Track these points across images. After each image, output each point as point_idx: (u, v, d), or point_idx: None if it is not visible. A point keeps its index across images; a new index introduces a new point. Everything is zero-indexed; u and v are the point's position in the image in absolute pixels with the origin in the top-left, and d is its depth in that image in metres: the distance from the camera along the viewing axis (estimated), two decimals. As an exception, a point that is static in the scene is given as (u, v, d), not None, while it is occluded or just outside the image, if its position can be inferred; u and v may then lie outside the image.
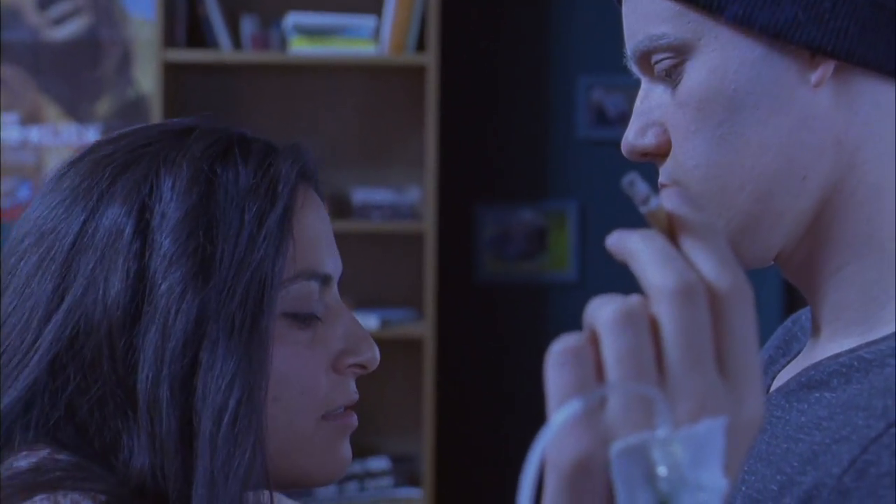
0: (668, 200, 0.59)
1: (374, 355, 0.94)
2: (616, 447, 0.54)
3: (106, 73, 3.47)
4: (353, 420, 0.95)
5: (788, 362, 0.92)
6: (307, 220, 0.93)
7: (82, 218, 0.89)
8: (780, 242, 0.83)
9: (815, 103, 0.80)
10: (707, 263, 0.57)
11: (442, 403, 3.40)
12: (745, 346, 0.56)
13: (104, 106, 3.46)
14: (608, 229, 0.62)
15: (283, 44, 3.39)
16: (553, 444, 0.54)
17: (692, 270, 0.56)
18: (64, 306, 0.87)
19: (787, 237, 0.83)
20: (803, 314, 0.96)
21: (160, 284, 0.86)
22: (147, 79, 3.45)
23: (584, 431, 0.54)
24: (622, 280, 0.57)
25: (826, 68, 0.79)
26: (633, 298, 0.56)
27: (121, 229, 0.88)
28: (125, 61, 3.47)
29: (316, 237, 0.93)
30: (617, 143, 0.93)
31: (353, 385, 0.94)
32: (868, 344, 0.80)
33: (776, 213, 0.82)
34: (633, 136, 0.85)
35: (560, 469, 0.54)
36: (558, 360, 0.55)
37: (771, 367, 0.94)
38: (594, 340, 0.56)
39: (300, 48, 3.31)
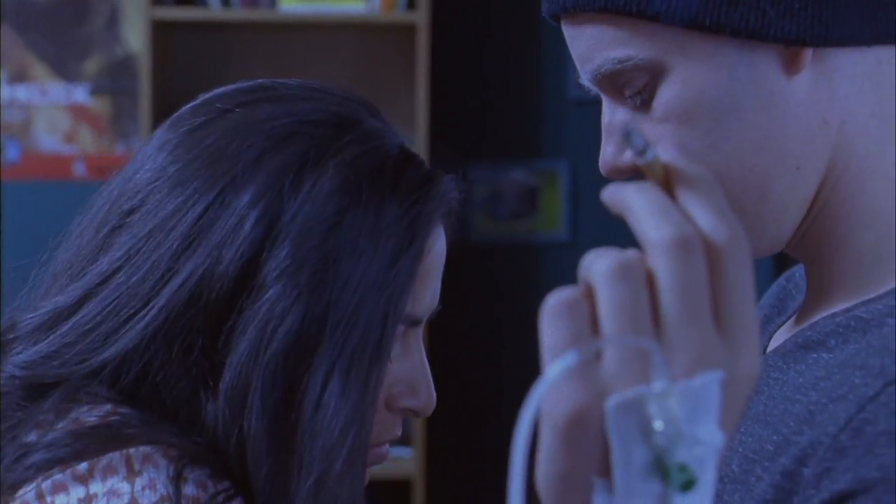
0: (665, 152, 0.58)
1: (429, 404, 0.92)
2: (612, 401, 0.53)
3: (93, 32, 3.44)
4: (386, 450, 0.92)
5: (784, 321, 0.92)
6: (430, 262, 0.88)
7: (215, 192, 0.84)
8: (787, 232, 0.83)
9: (795, 92, 0.79)
10: (704, 216, 0.56)
11: (434, 362, 3.40)
12: (741, 299, 0.56)
13: (92, 64, 3.43)
14: (600, 189, 0.61)
15: (272, 1, 3.36)
16: (548, 399, 0.54)
17: (689, 223, 0.56)
18: (183, 274, 0.83)
19: (792, 225, 0.83)
20: (797, 271, 0.96)
21: (268, 289, 0.82)
22: (135, 37, 3.42)
23: (580, 385, 0.53)
24: (614, 240, 0.57)
25: (804, 58, 0.78)
26: (630, 252, 0.56)
27: (244, 217, 0.83)
28: (113, 19, 3.44)
29: (429, 281, 0.89)
30: None
31: (400, 423, 0.92)
32: (865, 303, 0.80)
33: (778, 207, 0.81)
34: (612, 155, 0.84)
35: (555, 423, 0.54)
36: (553, 312, 0.54)
37: (767, 326, 0.94)
38: (589, 294, 0.55)
39: (290, 6, 3.28)
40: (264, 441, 0.82)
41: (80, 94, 3.43)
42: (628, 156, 0.83)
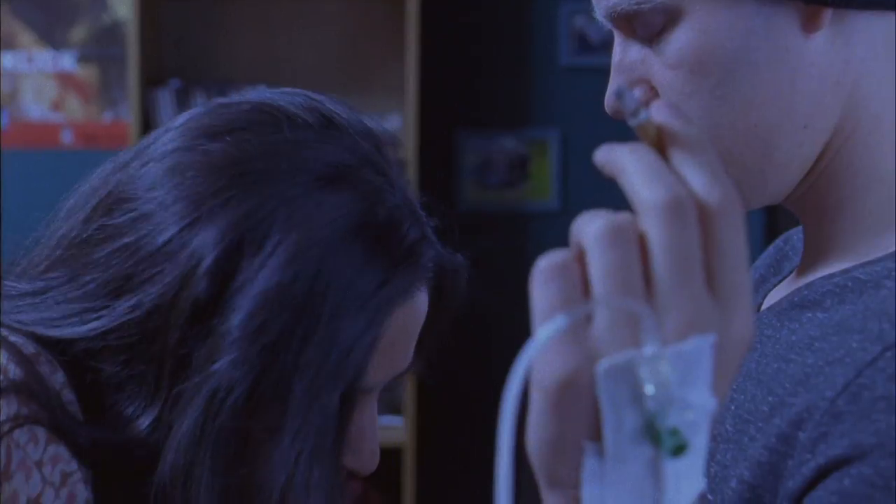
0: (657, 113, 0.57)
1: (368, 467, 0.90)
2: (602, 365, 0.52)
3: (81, -1, 3.41)
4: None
5: (780, 281, 0.92)
6: (396, 334, 0.85)
7: (183, 224, 0.81)
8: (787, 188, 0.83)
9: (810, 51, 0.78)
10: (697, 178, 0.55)
11: (424, 331, 3.40)
12: (734, 262, 0.55)
13: (79, 32, 3.41)
14: (590, 157, 0.60)
15: (261, -32, 3.33)
16: (538, 363, 0.53)
17: (682, 184, 0.55)
18: (134, 300, 0.82)
19: (793, 182, 0.83)
20: (794, 234, 0.96)
21: (220, 355, 0.79)
22: (123, 4, 3.39)
23: (570, 349, 0.53)
24: (604, 208, 0.56)
25: (824, 17, 0.78)
26: (622, 214, 0.55)
27: (201, 259, 0.80)
28: (100, -14, 3.41)
29: (389, 351, 0.86)
30: (599, 70, 0.91)
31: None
32: (863, 264, 0.79)
33: (781, 164, 0.81)
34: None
35: (545, 387, 0.53)
36: (544, 276, 0.54)
37: (762, 286, 0.94)
38: (581, 257, 0.55)
39: (278, -27, 3.26)
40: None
41: (67, 62, 3.40)
42: (637, 96, 0.82)
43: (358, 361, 0.82)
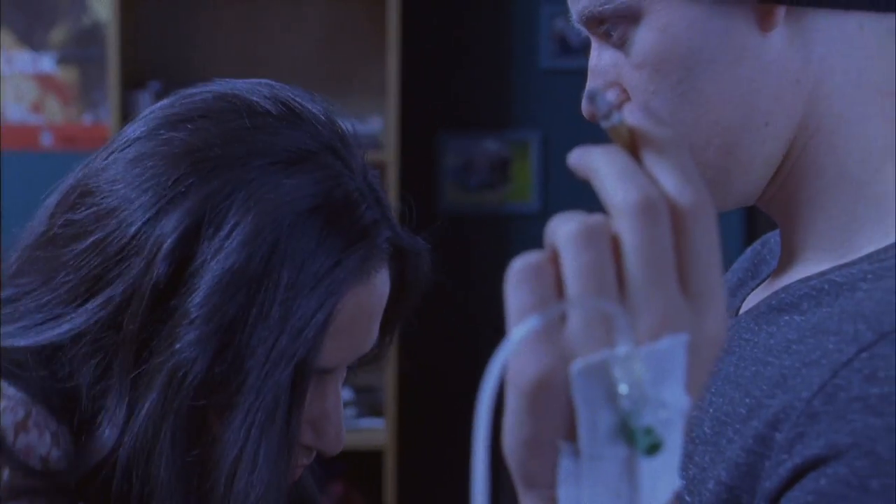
0: (630, 115, 0.57)
1: (334, 448, 0.91)
2: (576, 365, 0.53)
3: (60, 0, 3.40)
4: (296, 474, 0.92)
5: (758, 285, 0.92)
6: (350, 314, 0.86)
7: (147, 216, 0.83)
8: (755, 188, 0.84)
9: (769, 49, 0.79)
10: (669, 179, 0.56)
11: (403, 333, 3.40)
12: (707, 262, 0.55)
13: (59, 33, 3.40)
14: (571, 160, 0.61)
15: (241, -30, 3.33)
16: (513, 364, 0.53)
17: (654, 186, 0.55)
18: (104, 297, 0.83)
19: (759, 181, 0.83)
20: (772, 237, 0.96)
21: (180, 336, 0.82)
22: (103, 5, 3.38)
23: (545, 349, 0.53)
24: (586, 210, 0.57)
25: (777, 14, 0.79)
26: (595, 216, 0.55)
27: (160, 247, 0.82)
28: (80, -13, 3.40)
29: (347, 331, 0.87)
30: (580, 73, 0.92)
31: (310, 453, 0.92)
32: (839, 267, 0.80)
33: (745, 162, 0.82)
34: None
35: (521, 388, 0.53)
36: (518, 277, 0.54)
37: (740, 290, 0.94)
38: (555, 258, 0.55)
39: (259, -26, 3.25)
40: (173, 489, 0.83)
41: (47, 64, 3.39)
42: (610, 99, 0.83)
43: (310, 340, 0.83)
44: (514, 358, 0.53)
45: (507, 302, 0.54)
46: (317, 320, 0.83)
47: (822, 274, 0.80)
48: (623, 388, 0.52)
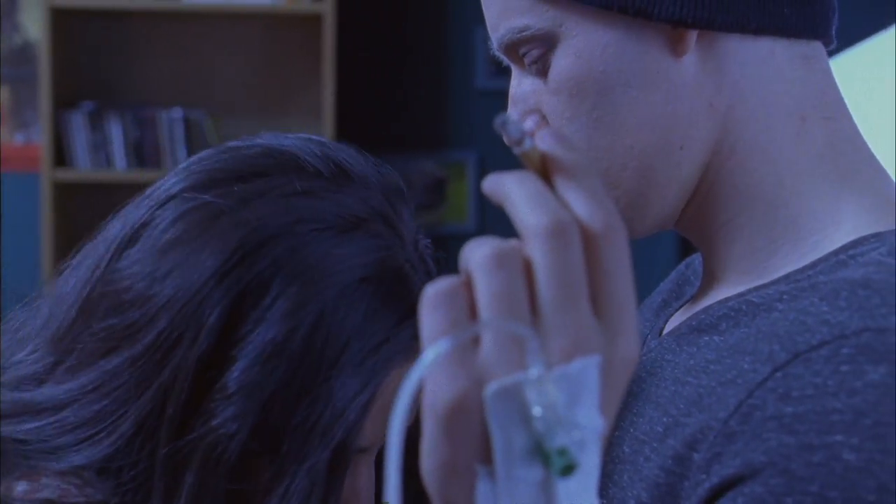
0: (541, 141, 0.58)
1: None
2: (490, 388, 0.53)
3: (-9, 20, 3.36)
4: None
5: (681, 306, 0.93)
6: (393, 395, 0.80)
7: (196, 299, 0.78)
8: (672, 210, 0.84)
9: (682, 73, 0.80)
10: (580, 203, 0.56)
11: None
12: (618, 284, 0.56)
13: (-10, 53, 3.36)
14: (508, 180, 0.61)
15: (175, -10, 3.32)
16: (428, 388, 0.53)
17: (565, 210, 0.56)
18: (152, 390, 0.78)
19: (676, 203, 0.84)
20: (696, 258, 0.97)
21: (216, 413, 0.77)
22: (34, 24, 3.35)
23: (459, 373, 0.53)
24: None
25: (689, 39, 0.80)
26: (508, 241, 0.56)
27: (206, 318, 0.77)
28: (11, 6, 3.37)
29: (387, 408, 0.81)
30: None
31: None
32: (757, 288, 0.81)
33: (661, 185, 0.82)
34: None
35: (436, 412, 0.53)
36: (431, 302, 0.54)
37: (664, 311, 0.95)
38: (469, 283, 0.55)
39: (193, -5, 3.24)
40: None
41: (-22, 83, 3.35)
42: (529, 126, 0.83)
43: (350, 423, 0.79)
44: (429, 382, 0.53)
45: (421, 326, 0.54)
46: (359, 401, 0.78)
47: (741, 295, 0.81)
48: (537, 411, 0.52)
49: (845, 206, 0.81)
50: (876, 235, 0.80)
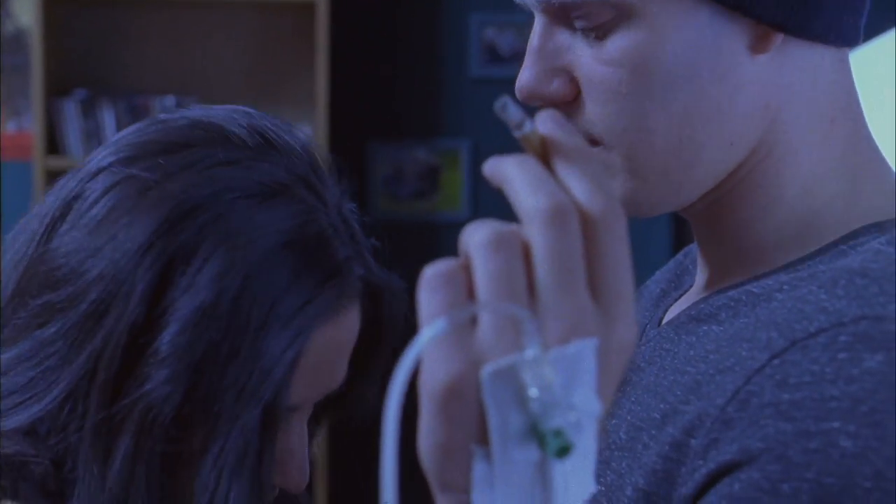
0: (542, 124, 0.58)
1: (296, 486, 0.89)
2: (487, 369, 0.53)
3: (-17, 7, 3.35)
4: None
5: (680, 295, 0.93)
6: (318, 352, 0.84)
7: (126, 268, 0.81)
8: (694, 199, 0.82)
9: (751, 71, 0.78)
10: (580, 187, 0.56)
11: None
12: (616, 269, 0.56)
13: (-19, 40, 3.35)
14: (501, 168, 0.61)
15: (168, -23, 3.31)
16: (425, 369, 0.54)
17: (564, 193, 0.56)
18: (84, 355, 0.81)
19: (702, 194, 0.82)
20: (695, 247, 0.97)
21: (150, 377, 0.80)
22: (26, 12, 3.34)
23: (456, 355, 0.53)
24: (515, 218, 0.56)
25: (774, 40, 0.78)
26: (507, 224, 0.56)
27: (136, 286, 0.80)
28: (3, -6, 3.36)
29: (315, 369, 0.85)
30: (510, 82, 0.88)
31: (273, 492, 0.90)
32: (756, 277, 0.81)
33: (700, 176, 0.81)
34: (536, 82, 0.80)
35: (432, 393, 0.54)
36: (430, 284, 0.54)
37: (663, 300, 0.95)
38: (468, 266, 0.55)
39: (186, -18, 3.23)
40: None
41: (-31, 71, 3.34)
42: (556, 88, 0.80)
43: (278, 380, 0.81)
44: (426, 363, 0.54)
45: (420, 307, 0.54)
46: (285, 359, 0.81)
47: (740, 284, 0.81)
48: (532, 392, 0.52)
49: (856, 205, 0.81)
50: (876, 225, 0.80)
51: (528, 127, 0.57)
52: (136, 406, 0.80)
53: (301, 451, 0.89)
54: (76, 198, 0.86)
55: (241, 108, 0.89)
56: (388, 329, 0.93)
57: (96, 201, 0.84)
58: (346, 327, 0.87)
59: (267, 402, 0.81)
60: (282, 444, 0.87)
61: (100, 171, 0.85)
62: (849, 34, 0.81)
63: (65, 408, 0.82)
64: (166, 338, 0.79)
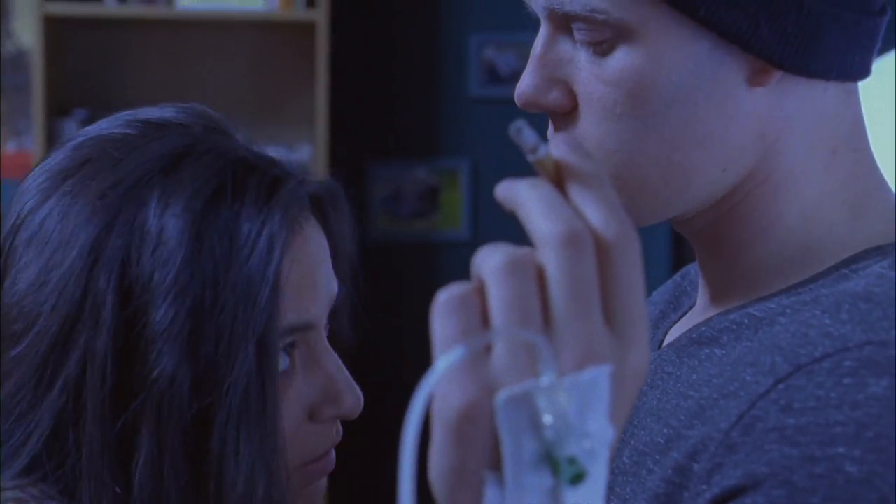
0: (556, 148, 0.58)
1: (354, 405, 0.90)
2: (501, 396, 0.53)
3: (-16, 27, 3.36)
4: (330, 462, 0.91)
5: (680, 317, 0.93)
6: (301, 265, 0.86)
7: (81, 288, 0.82)
8: (683, 212, 0.83)
9: (748, 102, 0.79)
10: (594, 212, 0.56)
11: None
12: (631, 295, 0.56)
13: (-17, 60, 3.35)
14: (500, 188, 0.61)
15: (169, -2, 3.32)
16: (439, 394, 0.54)
17: (579, 218, 0.56)
18: (59, 383, 0.82)
19: (691, 213, 0.83)
20: (692, 268, 0.96)
21: (152, 367, 0.81)
22: (27, 32, 3.35)
23: (470, 381, 0.53)
24: (515, 239, 0.56)
25: (773, 77, 0.78)
26: (521, 248, 0.56)
27: (103, 300, 0.82)
28: (3, 13, 3.36)
29: (304, 283, 0.87)
30: (510, 102, 0.89)
31: (336, 428, 0.91)
32: (758, 300, 0.80)
33: (690, 199, 0.81)
34: (535, 90, 0.80)
35: (446, 418, 0.54)
36: (444, 308, 0.54)
37: (662, 322, 0.95)
38: (481, 290, 0.55)
39: (187, 3, 3.24)
40: None
41: (-29, 91, 3.34)
42: (554, 98, 0.80)
43: (265, 309, 0.83)
44: (439, 388, 0.54)
45: (433, 332, 0.54)
46: (266, 282, 0.83)
47: (742, 307, 0.81)
48: (547, 419, 0.52)
49: (858, 231, 0.81)
50: (878, 249, 0.80)
51: (542, 151, 0.57)
52: (147, 402, 0.81)
53: (340, 373, 0.90)
54: (15, 230, 0.88)
55: (123, 112, 0.92)
56: (344, 236, 0.95)
57: (33, 236, 0.87)
58: (312, 237, 0.89)
59: (259, 337, 0.82)
60: (319, 374, 0.88)
61: (32, 202, 0.88)
62: (854, 70, 0.81)
63: (54, 446, 0.83)
64: (152, 325, 0.81)
